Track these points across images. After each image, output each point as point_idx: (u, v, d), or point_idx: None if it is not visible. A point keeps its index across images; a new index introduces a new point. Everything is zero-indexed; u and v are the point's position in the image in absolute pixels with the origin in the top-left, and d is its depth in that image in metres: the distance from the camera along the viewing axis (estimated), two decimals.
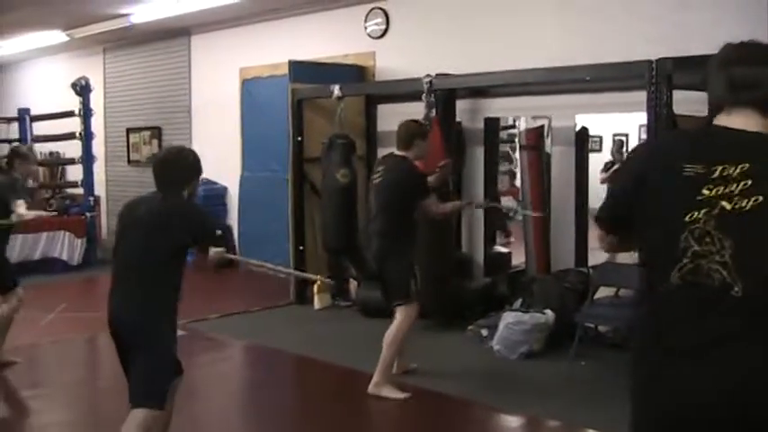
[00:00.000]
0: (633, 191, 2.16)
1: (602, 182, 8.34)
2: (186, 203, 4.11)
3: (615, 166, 8.69)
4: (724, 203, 1.98)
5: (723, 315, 1.96)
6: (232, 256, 4.57)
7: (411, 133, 5.70)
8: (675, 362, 2.01)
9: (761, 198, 1.96)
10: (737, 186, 1.98)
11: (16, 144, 6.68)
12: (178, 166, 4.11)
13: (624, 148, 9.45)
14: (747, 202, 1.96)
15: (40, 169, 12.74)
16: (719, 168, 2.01)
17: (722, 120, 2.13)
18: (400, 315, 5.59)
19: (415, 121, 5.94)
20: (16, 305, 6.17)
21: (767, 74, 2.10)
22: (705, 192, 2.00)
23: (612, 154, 9.21)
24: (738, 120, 2.10)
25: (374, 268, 5.81)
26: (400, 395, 5.56)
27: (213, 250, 4.30)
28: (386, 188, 5.63)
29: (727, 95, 2.13)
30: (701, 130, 2.19)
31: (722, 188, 1.99)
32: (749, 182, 1.97)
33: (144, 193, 4.38)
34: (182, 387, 4.08)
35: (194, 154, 4.24)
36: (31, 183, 6.84)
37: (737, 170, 1.99)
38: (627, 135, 9.37)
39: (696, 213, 1.99)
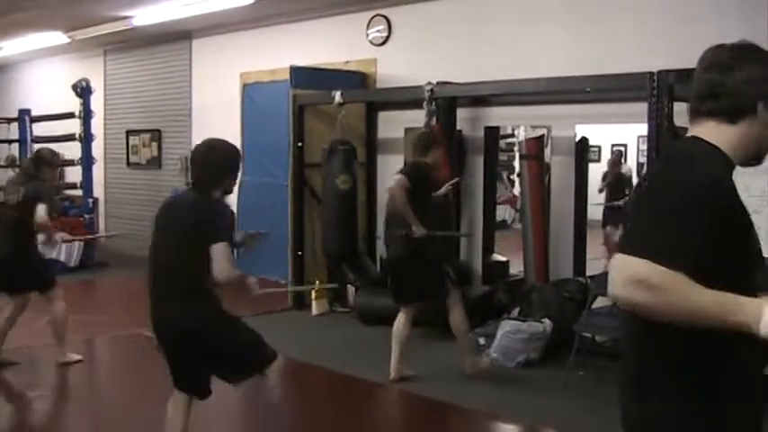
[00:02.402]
0: None
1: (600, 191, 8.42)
2: (207, 205, 3.92)
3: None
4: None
5: None
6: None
7: (428, 141, 6.03)
8: None
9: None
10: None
11: (41, 148, 6.75)
12: (212, 161, 3.96)
13: (623, 159, 9.50)
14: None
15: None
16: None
17: (688, 131, 2.13)
18: (454, 306, 5.90)
19: (428, 131, 6.35)
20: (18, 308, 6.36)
21: (729, 81, 2.04)
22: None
23: (609, 166, 9.25)
24: (693, 130, 2.10)
25: (397, 271, 5.99)
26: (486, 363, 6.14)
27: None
28: (410, 192, 5.76)
29: (691, 105, 2.12)
30: None
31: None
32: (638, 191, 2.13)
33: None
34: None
35: (234, 149, 4.09)
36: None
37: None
38: (625, 145, 9.40)
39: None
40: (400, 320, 5.98)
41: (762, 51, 2.09)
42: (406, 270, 5.94)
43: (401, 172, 5.94)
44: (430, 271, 5.95)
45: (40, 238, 6.37)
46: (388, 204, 6.05)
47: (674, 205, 1.90)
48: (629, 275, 1.84)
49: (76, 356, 6.52)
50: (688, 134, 2.11)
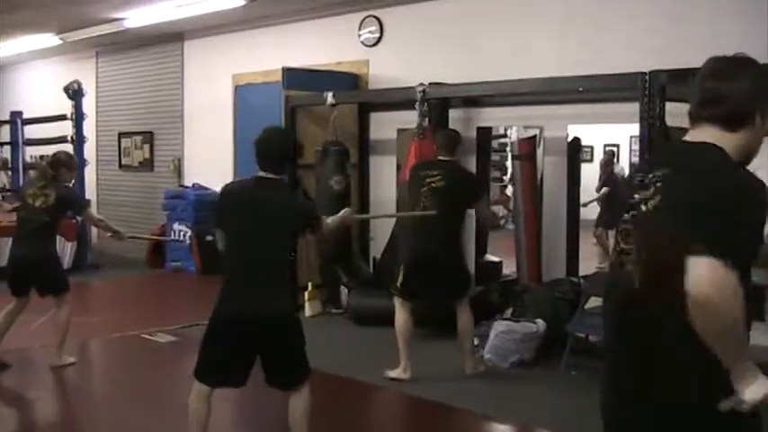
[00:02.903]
0: None
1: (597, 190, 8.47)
2: (297, 195, 4.41)
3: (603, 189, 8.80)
4: (642, 206, 2.17)
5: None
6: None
7: (455, 140, 6.28)
8: None
9: (658, 199, 2.13)
10: (651, 191, 2.15)
11: (58, 151, 6.80)
12: (281, 147, 4.18)
13: (615, 159, 9.52)
14: (651, 205, 2.14)
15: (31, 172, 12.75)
16: (649, 176, 2.18)
17: (688, 134, 2.25)
18: (467, 307, 6.12)
19: (454, 130, 6.62)
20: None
21: (729, 90, 2.17)
22: (635, 195, 2.21)
23: (601, 166, 9.27)
24: (696, 134, 2.22)
25: (439, 272, 6.03)
26: (483, 367, 6.23)
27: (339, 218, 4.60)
28: (452, 191, 6.00)
29: (692, 110, 2.25)
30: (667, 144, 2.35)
31: (643, 192, 2.18)
32: (659, 185, 2.14)
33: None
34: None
35: (292, 135, 4.34)
36: None
37: (655, 176, 2.16)
38: (618, 145, 9.41)
39: (626, 215, 2.24)
40: (405, 317, 6.00)
41: (759, 65, 2.23)
42: (447, 267, 6.05)
43: (467, 187, 6.19)
44: (465, 268, 6.38)
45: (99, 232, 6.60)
46: (426, 205, 6.04)
47: (735, 212, 2.02)
48: (720, 279, 1.92)
49: (70, 359, 6.51)
50: (691, 138, 2.23)
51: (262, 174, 4.07)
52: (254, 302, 3.93)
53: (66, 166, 6.48)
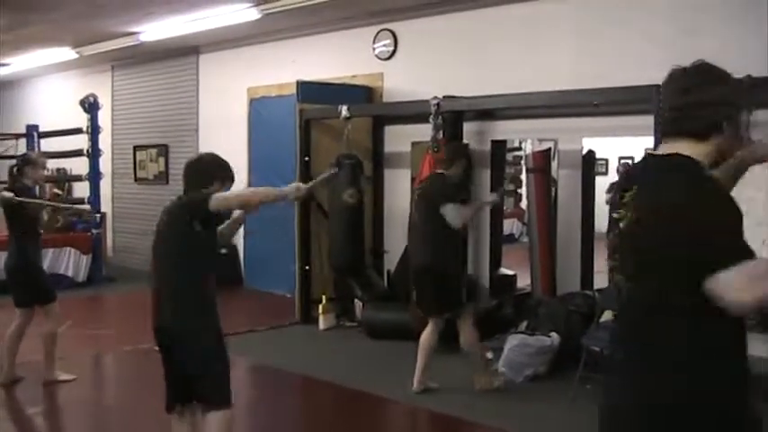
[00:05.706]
0: None
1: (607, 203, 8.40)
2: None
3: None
4: (621, 224, 2.25)
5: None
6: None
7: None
8: None
9: (631, 215, 2.20)
10: (626, 209, 2.23)
11: (25, 152, 6.70)
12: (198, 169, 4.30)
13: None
14: (625, 222, 2.22)
15: (47, 185, 12.81)
16: (626, 194, 2.24)
17: (660, 147, 2.30)
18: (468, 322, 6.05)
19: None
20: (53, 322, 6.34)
21: (689, 102, 2.22)
22: (614, 215, 2.29)
23: (619, 174, 9.22)
24: (665, 146, 2.27)
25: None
26: (498, 383, 6.12)
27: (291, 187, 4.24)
28: None
29: (666, 125, 2.30)
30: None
31: (622, 211, 2.25)
32: (630, 203, 2.22)
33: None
34: None
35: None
36: (38, 188, 6.88)
37: (629, 194, 2.22)
38: (633, 158, 9.38)
39: (610, 233, 2.33)
40: (433, 331, 6.01)
41: (719, 71, 2.27)
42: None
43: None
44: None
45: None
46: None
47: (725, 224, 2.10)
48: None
49: (64, 375, 6.41)
50: (666, 151, 2.26)
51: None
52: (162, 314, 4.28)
53: (30, 163, 6.35)
